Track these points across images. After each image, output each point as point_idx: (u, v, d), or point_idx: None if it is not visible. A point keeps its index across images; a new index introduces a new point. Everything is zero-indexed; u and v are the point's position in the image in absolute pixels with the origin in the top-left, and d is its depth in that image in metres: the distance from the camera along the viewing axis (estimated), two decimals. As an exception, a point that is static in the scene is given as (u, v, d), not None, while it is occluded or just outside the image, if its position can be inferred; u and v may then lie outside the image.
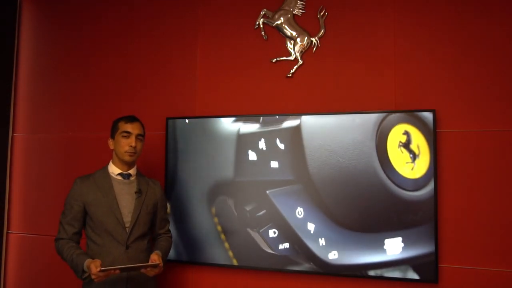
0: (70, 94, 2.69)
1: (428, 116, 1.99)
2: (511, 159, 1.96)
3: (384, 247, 2.01)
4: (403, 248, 1.99)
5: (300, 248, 2.12)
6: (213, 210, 2.27)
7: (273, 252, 2.16)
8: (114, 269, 1.68)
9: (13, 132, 2.79)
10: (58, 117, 2.70)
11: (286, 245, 2.14)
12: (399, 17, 2.15)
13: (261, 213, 2.19)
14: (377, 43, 2.17)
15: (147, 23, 2.57)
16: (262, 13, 2.35)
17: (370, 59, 2.18)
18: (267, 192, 2.18)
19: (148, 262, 1.85)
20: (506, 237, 1.93)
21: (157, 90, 2.52)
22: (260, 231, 2.18)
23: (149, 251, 1.96)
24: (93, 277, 1.68)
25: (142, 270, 1.79)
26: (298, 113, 2.18)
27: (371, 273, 2.02)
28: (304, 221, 2.12)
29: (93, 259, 1.78)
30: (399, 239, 1.99)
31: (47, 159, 2.70)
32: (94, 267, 1.66)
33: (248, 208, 2.21)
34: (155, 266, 1.77)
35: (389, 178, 2.02)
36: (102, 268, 1.65)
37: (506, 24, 2.00)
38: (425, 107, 2.06)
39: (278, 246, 2.16)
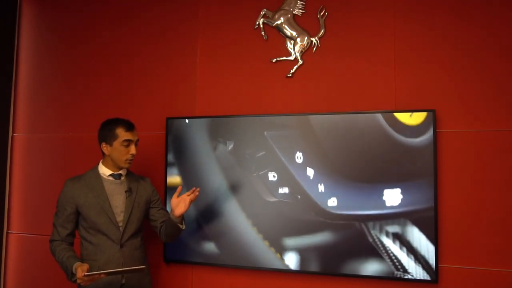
0: (70, 94, 2.69)
1: (428, 116, 1.99)
2: (511, 159, 1.96)
3: (383, 198, 2.02)
4: (402, 200, 1.99)
5: (300, 194, 2.13)
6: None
7: (274, 199, 2.16)
8: (99, 274, 1.69)
9: (13, 132, 2.79)
10: (58, 117, 2.70)
11: (286, 189, 2.15)
12: (399, 17, 2.15)
13: (260, 154, 2.19)
14: (377, 43, 2.17)
15: (147, 23, 2.57)
16: (262, 13, 2.35)
17: (370, 59, 2.18)
18: (265, 133, 2.19)
19: (142, 259, 1.94)
20: (506, 237, 1.93)
21: (157, 90, 2.52)
22: (260, 173, 2.19)
23: (143, 248, 2.02)
24: (78, 281, 1.71)
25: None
26: (298, 113, 2.18)
27: (370, 224, 2.03)
28: (303, 166, 2.13)
29: (89, 259, 1.84)
30: (398, 190, 2.00)
31: (47, 159, 2.70)
32: (80, 271, 1.69)
33: (247, 151, 2.23)
34: (141, 270, 1.76)
35: (388, 124, 2.03)
36: (86, 273, 1.67)
37: (506, 24, 2.00)
38: (425, 107, 2.06)
39: (278, 190, 2.17)
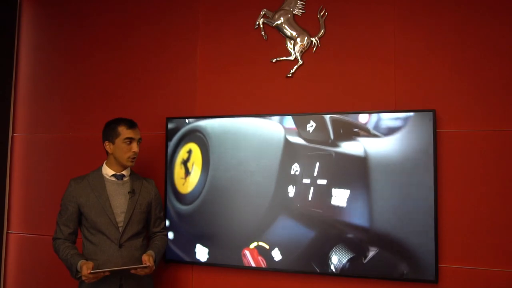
0: (70, 94, 2.69)
1: (428, 116, 1.99)
2: (511, 159, 1.96)
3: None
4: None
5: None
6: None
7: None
8: (104, 271, 1.73)
9: (13, 132, 2.79)
10: (58, 117, 2.70)
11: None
12: (399, 17, 2.15)
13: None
14: (377, 43, 2.17)
15: (147, 23, 2.57)
16: (262, 13, 2.35)
17: (370, 59, 2.18)
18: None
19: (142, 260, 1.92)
20: (506, 237, 1.93)
21: (157, 90, 2.52)
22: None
23: (145, 248, 2.01)
24: (83, 278, 1.75)
25: (132, 271, 1.82)
26: (298, 113, 2.18)
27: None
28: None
29: (89, 258, 1.86)
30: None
31: (47, 159, 2.70)
32: (85, 268, 1.73)
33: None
34: (145, 267, 1.81)
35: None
36: (92, 271, 1.72)
37: (506, 24, 2.00)
38: (425, 107, 2.06)
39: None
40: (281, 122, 2.19)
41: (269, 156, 2.19)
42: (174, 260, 2.34)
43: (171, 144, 2.37)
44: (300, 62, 2.27)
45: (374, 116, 2.05)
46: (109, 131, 1.95)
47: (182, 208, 2.32)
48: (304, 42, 2.26)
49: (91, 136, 2.59)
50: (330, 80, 2.23)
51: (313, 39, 2.26)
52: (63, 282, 2.54)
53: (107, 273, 1.75)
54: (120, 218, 1.91)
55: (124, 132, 1.92)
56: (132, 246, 1.93)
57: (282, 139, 2.18)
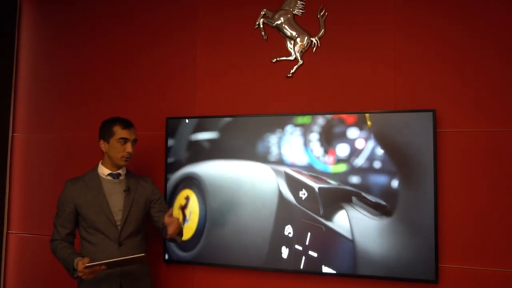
0: (70, 94, 2.69)
1: (428, 116, 1.99)
2: (511, 159, 1.96)
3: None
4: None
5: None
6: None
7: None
8: (100, 265, 1.69)
9: (13, 132, 2.79)
10: (58, 117, 2.70)
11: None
12: (399, 17, 2.15)
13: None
14: (377, 43, 2.17)
15: (147, 23, 2.57)
16: (262, 13, 2.35)
17: (370, 59, 2.18)
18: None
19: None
20: (506, 237, 1.93)
21: (157, 90, 2.52)
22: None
23: (143, 248, 2.01)
24: (80, 274, 1.71)
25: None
26: (298, 113, 2.18)
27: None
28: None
29: (88, 257, 1.82)
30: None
31: (47, 159, 2.70)
32: (81, 264, 1.70)
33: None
34: (141, 258, 1.74)
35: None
36: (86, 264, 1.68)
37: (506, 24, 2.00)
38: (425, 107, 2.06)
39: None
40: (276, 165, 2.18)
41: (264, 212, 2.19)
42: (174, 260, 2.34)
43: (170, 184, 2.36)
44: (300, 62, 2.27)
45: (371, 142, 2.04)
46: (104, 130, 1.95)
47: (180, 252, 2.31)
48: (304, 42, 2.26)
49: (91, 136, 2.59)
50: (330, 80, 2.23)
51: (313, 39, 2.26)
52: (63, 282, 2.53)
53: (103, 267, 1.70)
54: (118, 217, 1.91)
55: (119, 132, 1.92)
56: (131, 245, 1.93)
57: (276, 193, 2.17)
